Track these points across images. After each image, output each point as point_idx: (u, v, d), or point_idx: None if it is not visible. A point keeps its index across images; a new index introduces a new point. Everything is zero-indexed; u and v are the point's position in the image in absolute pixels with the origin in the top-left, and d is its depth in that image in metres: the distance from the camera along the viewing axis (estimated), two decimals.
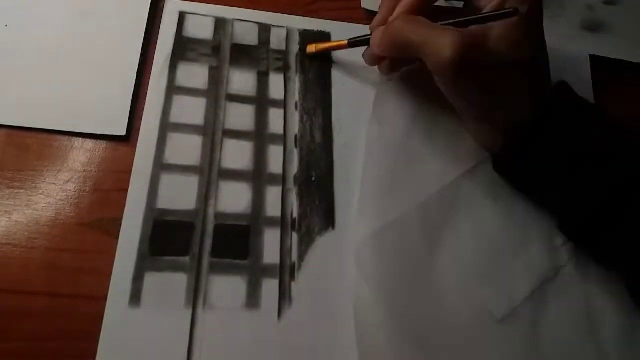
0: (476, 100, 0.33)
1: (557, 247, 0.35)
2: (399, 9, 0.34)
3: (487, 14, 0.32)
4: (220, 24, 0.40)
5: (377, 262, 0.33)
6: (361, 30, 0.41)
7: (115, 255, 0.31)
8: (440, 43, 0.30)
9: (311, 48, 0.39)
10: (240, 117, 0.37)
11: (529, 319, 0.33)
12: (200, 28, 0.39)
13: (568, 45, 0.43)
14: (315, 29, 0.41)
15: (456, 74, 0.30)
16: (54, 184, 0.33)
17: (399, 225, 0.34)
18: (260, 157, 0.36)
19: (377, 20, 0.36)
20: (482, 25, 0.31)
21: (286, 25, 0.41)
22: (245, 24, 0.40)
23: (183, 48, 0.38)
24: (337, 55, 0.40)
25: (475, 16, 0.32)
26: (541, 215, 0.36)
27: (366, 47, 0.37)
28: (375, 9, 0.42)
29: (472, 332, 0.32)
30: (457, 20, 0.32)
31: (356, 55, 0.40)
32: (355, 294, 0.32)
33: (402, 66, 0.38)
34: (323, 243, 0.34)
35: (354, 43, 0.37)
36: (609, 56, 0.43)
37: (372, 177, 0.35)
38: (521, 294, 0.33)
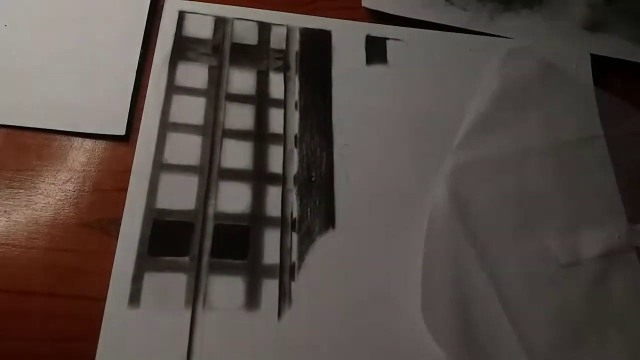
0: None
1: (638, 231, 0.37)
2: None
3: None
4: (219, 23, 0.40)
5: (466, 187, 0.36)
6: (362, 28, 0.41)
7: (114, 255, 0.31)
8: None
9: None
10: (240, 116, 0.37)
11: (590, 278, 0.35)
12: (200, 27, 0.39)
13: (569, 44, 0.43)
14: (316, 27, 0.41)
15: None
16: (53, 183, 0.33)
17: (495, 162, 0.37)
18: (260, 157, 0.36)
19: None
20: None
21: (286, 24, 0.41)
22: (245, 22, 0.40)
23: (182, 47, 0.38)
24: (337, 54, 0.40)
25: None
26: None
27: None
28: (376, 8, 0.42)
29: (535, 265, 0.34)
30: None
31: (356, 54, 0.40)
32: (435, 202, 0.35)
33: None
34: (323, 243, 0.34)
35: None
36: (610, 56, 0.43)
37: (475, 119, 0.38)
38: (587, 254, 0.35)
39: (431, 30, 0.42)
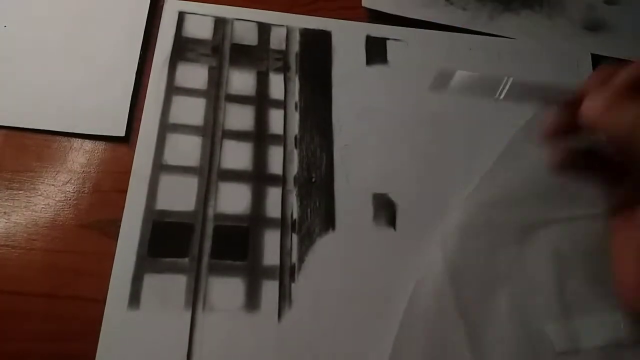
0: None
1: None
2: (620, 81, 0.24)
3: None
4: (219, 23, 0.39)
5: (465, 255, 0.33)
6: (362, 28, 0.41)
7: (114, 257, 0.31)
8: None
9: None
10: (240, 117, 0.37)
11: None
12: (200, 28, 0.39)
13: (569, 44, 0.43)
14: (316, 28, 0.41)
15: None
16: (52, 185, 0.33)
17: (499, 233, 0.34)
18: (260, 157, 0.36)
19: (585, 87, 0.26)
20: None
21: (286, 25, 0.40)
22: (245, 23, 0.40)
23: (182, 48, 0.38)
24: (337, 54, 0.40)
25: None
26: None
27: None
28: (376, 8, 0.42)
29: (525, 349, 0.32)
30: None
31: (356, 55, 0.40)
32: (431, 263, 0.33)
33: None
34: (323, 244, 0.34)
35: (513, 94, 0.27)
36: (610, 55, 0.43)
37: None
38: (588, 342, 0.32)
39: (431, 30, 0.42)
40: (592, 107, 0.24)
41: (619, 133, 0.23)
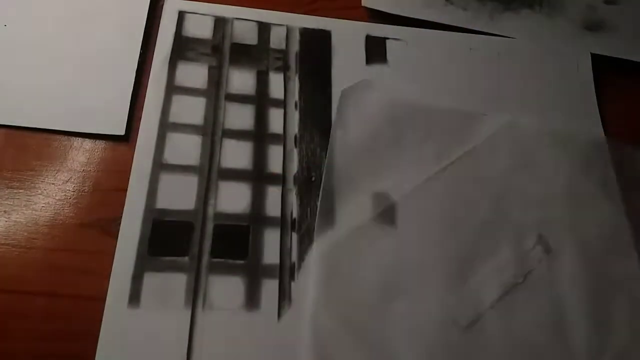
0: None
1: (527, 250, 0.34)
2: None
3: None
4: (219, 23, 0.40)
5: (343, 264, 0.33)
6: (362, 28, 0.41)
7: (114, 256, 0.31)
8: None
9: None
10: (240, 116, 0.37)
11: (496, 326, 0.32)
12: (200, 27, 0.39)
13: (569, 44, 0.43)
14: (316, 27, 0.41)
15: None
16: (53, 183, 0.33)
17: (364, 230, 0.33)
18: (259, 157, 0.36)
19: None
20: None
21: (286, 24, 0.40)
22: (245, 22, 0.40)
23: (182, 47, 0.38)
24: (337, 54, 0.40)
25: None
26: (508, 218, 0.35)
27: None
28: (376, 7, 0.42)
29: (435, 339, 0.32)
30: None
31: (356, 54, 0.40)
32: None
33: None
34: (323, 243, 0.34)
35: None
36: (610, 55, 0.43)
37: (331, 188, 0.35)
38: (487, 302, 0.33)
39: (431, 30, 0.42)
40: None
41: None
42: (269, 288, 0.32)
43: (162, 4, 0.39)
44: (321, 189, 0.34)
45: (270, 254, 0.33)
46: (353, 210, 0.34)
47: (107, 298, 0.30)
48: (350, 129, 0.36)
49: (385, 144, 0.37)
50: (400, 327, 0.32)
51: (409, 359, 0.31)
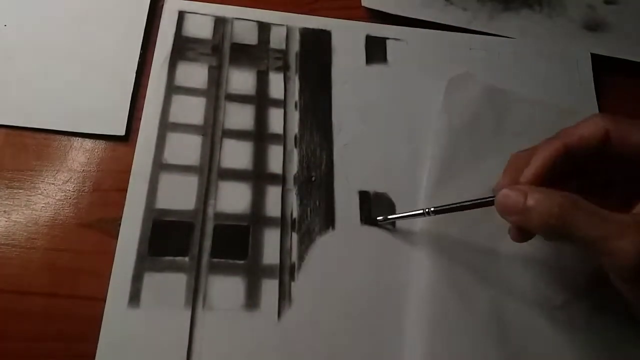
0: None
1: None
2: (532, 167, 0.29)
3: None
4: (219, 23, 0.40)
5: (440, 242, 0.34)
6: (362, 28, 0.41)
7: (114, 256, 0.31)
8: (624, 246, 0.24)
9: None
10: (240, 116, 0.37)
11: (585, 312, 0.33)
12: (200, 27, 0.39)
13: (569, 44, 0.43)
14: (316, 27, 0.41)
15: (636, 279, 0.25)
16: (53, 184, 0.33)
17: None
18: (259, 157, 0.36)
19: (502, 182, 0.30)
20: None
21: (286, 24, 0.40)
22: (245, 22, 0.40)
23: (182, 47, 0.38)
24: (337, 55, 0.40)
25: None
26: None
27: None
28: (376, 8, 0.42)
29: (529, 314, 0.33)
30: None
31: (356, 54, 0.40)
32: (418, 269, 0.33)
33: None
34: (323, 243, 0.34)
35: (440, 211, 0.32)
36: (610, 55, 0.43)
37: (437, 166, 0.36)
38: (581, 288, 0.34)
39: (431, 30, 0.42)
40: (504, 208, 0.28)
41: (531, 228, 0.27)
42: (269, 288, 0.32)
43: (162, 4, 0.39)
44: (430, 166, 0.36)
45: (270, 254, 0.33)
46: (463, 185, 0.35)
47: (107, 298, 0.30)
48: (455, 114, 0.38)
49: (486, 131, 0.38)
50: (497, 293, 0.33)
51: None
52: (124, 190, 0.33)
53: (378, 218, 0.34)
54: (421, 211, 0.32)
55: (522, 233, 0.29)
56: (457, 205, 0.31)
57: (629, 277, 0.26)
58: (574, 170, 0.30)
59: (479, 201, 0.30)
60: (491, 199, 0.29)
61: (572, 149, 0.29)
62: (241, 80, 0.38)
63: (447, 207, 0.31)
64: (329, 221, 0.34)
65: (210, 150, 0.35)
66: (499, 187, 0.30)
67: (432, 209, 0.32)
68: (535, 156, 0.29)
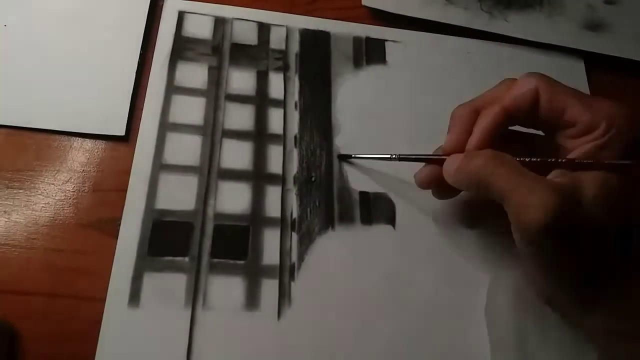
0: (559, 272, 0.28)
1: None
2: (477, 134, 0.30)
3: (587, 162, 0.27)
4: (219, 23, 0.40)
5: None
6: (361, 29, 0.41)
7: (114, 256, 0.31)
8: (532, 201, 0.25)
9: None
10: (240, 116, 0.37)
11: None
12: (200, 27, 0.39)
13: (569, 44, 0.43)
14: (315, 28, 0.41)
15: (543, 240, 0.25)
16: (52, 184, 0.33)
17: None
18: (259, 157, 0.36)
19: (449, 143, 0.31)
20: (571, 178, 0.26)
21: (286, 24, 0.40)
22: (245, 23, 0.40)
23: (182, 47, 0.38)
24: (337, 55, 0.40)
25: (582, 161, 0.27)
26: None
27: (423, 164, 0.33)
28: (376, 7, 0.42)
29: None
30: (546, 160, 0.28)
31: (356, 55, 0.40)
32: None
33: (458, 192, 0.33)
34: (323, 243, 0.34)
35: (404, 158, 0.33)
36: (610, 54, 0.43)
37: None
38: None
39: (430, 33, 0.42)
40: (447, 172, 0.30)
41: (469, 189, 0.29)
42: (269, 288, 0.32)
43: (162, 4, 0.39)
44: None
45: (270, 254, 0.33)
46: None
47: (107, 298, 0.30)
48: None
49: None
50: None
51: None
52: (123, 190, 0.33)
53: (351, 154, 0.36)
54: (388, 156, 0.34)
55: (444, 191, 0.33)
56: (419, 156, 0.33)
57: (531, 238, 0.26)
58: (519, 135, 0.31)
59: (435, 157, 0.32)
60: (444, 157, 0.31)
61: (511, 112, 0.29)
62: (241, 80, 0.38)
63: (411, 156, 0.33)
64: (328, 221, 0.34)
65: (210, 151, 0.35)
66: (446, 147, 0.31)
67: (398, 155, 0.34)
68: (478, 124, 0.30)
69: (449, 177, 0.30)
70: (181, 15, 0.39)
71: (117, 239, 0.32)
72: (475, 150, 0.29)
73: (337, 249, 0.34)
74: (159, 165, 0.34)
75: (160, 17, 0.39)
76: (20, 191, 0.33)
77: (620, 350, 0.28)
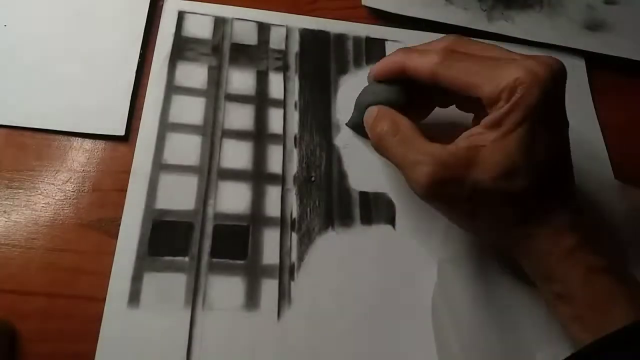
0: (456, 221, 0.32)
1: None
2: (373, 71, 0.34)
3: None
4: (219, 23, 0.40)
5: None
6: (361, 29, 0.41)
7: (114, 256, 0.31)
8: (417, 170, 0.29)
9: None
10: (240, 116, 0.37)
11: None
12: (200, 27, 0.39)
13: (569, 44, 0.43)
14: (315, 28, 0.41)
15: (427, 200, 0.30)
16: (52, 184, 0.33)
17: None
18: (259, 157, 0.36)
19: (373, 68, 0.34)
20: (477, 140, 0.28)
21: (286, 24, 0.40)
22: (245, 23, 0.40)
23: (182, 47, 0.38)
24: (337, 55, 0.40)
25: None
26: None
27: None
28: (376, 7, 0.42)
29: None
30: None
31: (356, 55, 0.40)
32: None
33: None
34: (322, 243, 0.34)
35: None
36: (610, 54, 0.43)
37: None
38: None
39: (430, 33, 0.42)
40: (366, 120, 0.34)
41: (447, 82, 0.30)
42: (269, 288, 0.32)
43: (162, 4, 0.39)
44: None
45: (270, 254, 0.33)
46: None
47: (107, 298, 0.30)
48: None
49: None
50: None
51: None
52: (123, 190, 0.33)
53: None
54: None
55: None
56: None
57: (422, 198, 0.30)
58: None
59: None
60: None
61: (410, 75, 0.31)
62: (241, 80, 0.38)
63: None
64: (328, 221, 0.34)
65: (210, 150, 0.35)
66: (371, 70, 0.34)
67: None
68: (381, 61, 0.33)
69: (366, 125, 0.34)
70: (181, 15, 0.39)
71: (117, 238, 0.32)
72: (384, 109, 0.32)
73: (337, 249, 0.34)
74: (159, 165, 0.34)
75: (160, 17, 0.39)
76: (20, 191, 0.33)
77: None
